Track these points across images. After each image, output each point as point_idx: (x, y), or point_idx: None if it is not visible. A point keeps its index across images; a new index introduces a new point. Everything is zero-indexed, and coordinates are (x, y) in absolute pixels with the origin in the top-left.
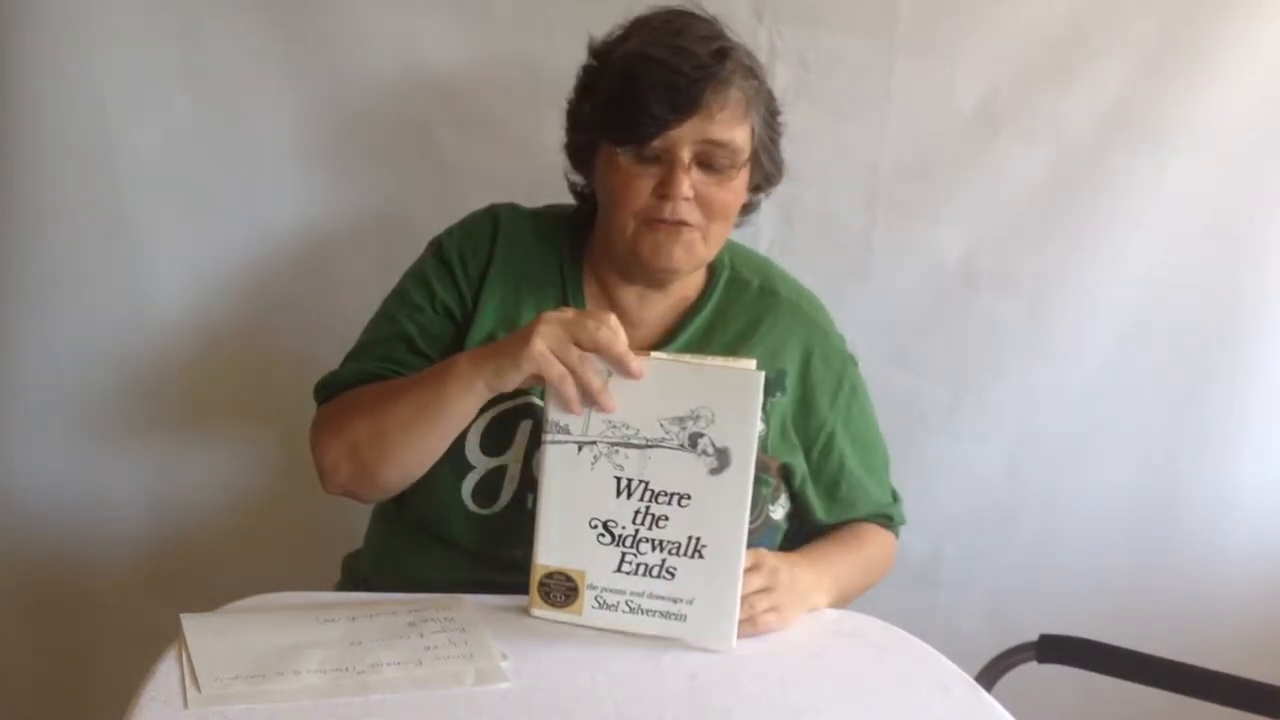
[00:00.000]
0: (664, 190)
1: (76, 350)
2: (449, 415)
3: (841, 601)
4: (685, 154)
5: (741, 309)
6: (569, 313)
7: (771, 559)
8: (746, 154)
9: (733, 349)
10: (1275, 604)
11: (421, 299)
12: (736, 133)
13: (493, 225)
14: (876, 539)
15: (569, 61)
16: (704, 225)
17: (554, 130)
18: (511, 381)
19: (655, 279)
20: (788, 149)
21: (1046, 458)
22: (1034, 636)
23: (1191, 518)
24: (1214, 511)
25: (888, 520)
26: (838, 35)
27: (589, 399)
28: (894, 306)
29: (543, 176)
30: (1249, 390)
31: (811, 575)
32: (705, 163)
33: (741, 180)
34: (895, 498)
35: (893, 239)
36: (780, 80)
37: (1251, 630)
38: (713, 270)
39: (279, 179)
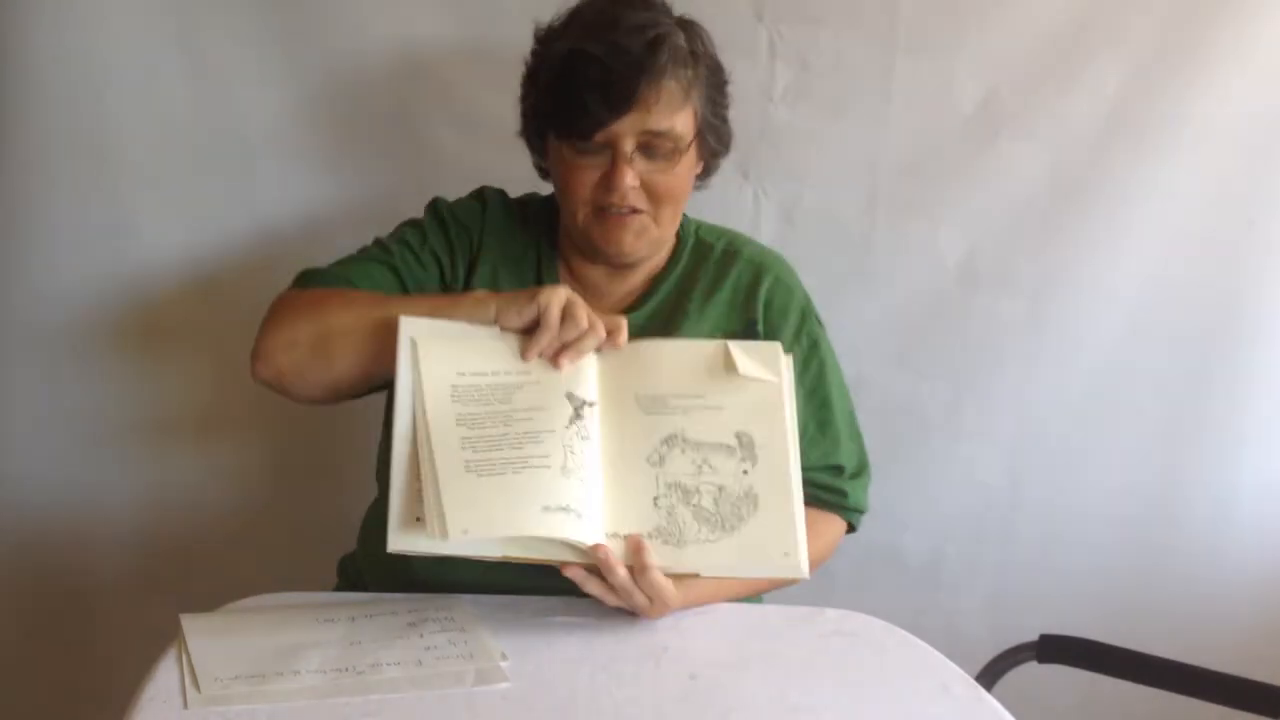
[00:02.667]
0: (608, 183)
1: (76, 350)
2: None
3: (719, 599)
4: (627, 146)
5: (706, 271)
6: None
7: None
8: (689, 138)
9: (700, 309)
10: (1275, 604)
11: (415, 241)
12: (676, 120)
13: (481, 206)
14: (827, 530)
15: None
16: (653, 210)
17: None
18: (520, 314)
19: (614, 264)
20: (788, 149)
21: (1047, 457)
22: (1034, 636)
23: (1192, 517)
24: (1214, 511)
25: (840, 497)
26: (838, 35)
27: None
28: (894, 306)
29: (535, 169)
30: (1249, 390)
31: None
32: (649, 151)
33: (687, 163)
34: (859, 473)
35: (893, 239)
36: (780, 80)
37: (1251, 630)
38: (679, 242)
39: (279, 178)
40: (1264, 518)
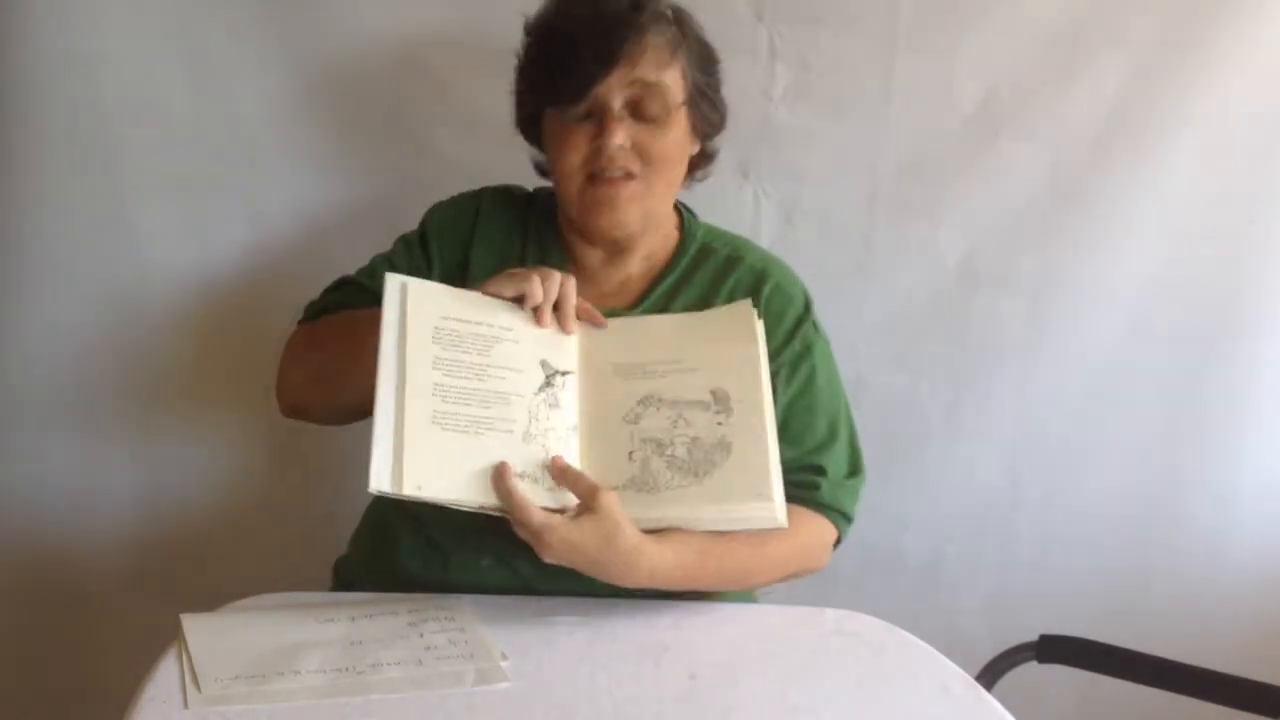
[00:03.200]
0: (599, 140)
1: (75, 349)
2: None
3: (700, 584)
4: (616, 102)
5: (705, 274)
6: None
7: (608, 519)
8: (680, 98)
9: (695, 309)
10: (1275, 604)
11: (402, 263)
12: (665, 74)
13: (475, 208)
14: (803, 528)
15: None
16: (645, 175)
17: None
18: (514, 285)
19: (611, 238)
20: (788, 149)
21: (1047, 457)
22: (1034, 636)
23: (1191, 517)
24: (1214, 511)
25: (811, 491)
26: (838, 35)
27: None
28: (894, 306)
29: (534, 168)
30: (1249, 390)
31: (649, 553)
32: (639, 111)
33: (678, 129)
34: (847, 478)
35: (893, 239)
36: (780, 80)
37: (1251, 630)
38: (684, 241)
39: (278, 177)
40: (1264, 518)
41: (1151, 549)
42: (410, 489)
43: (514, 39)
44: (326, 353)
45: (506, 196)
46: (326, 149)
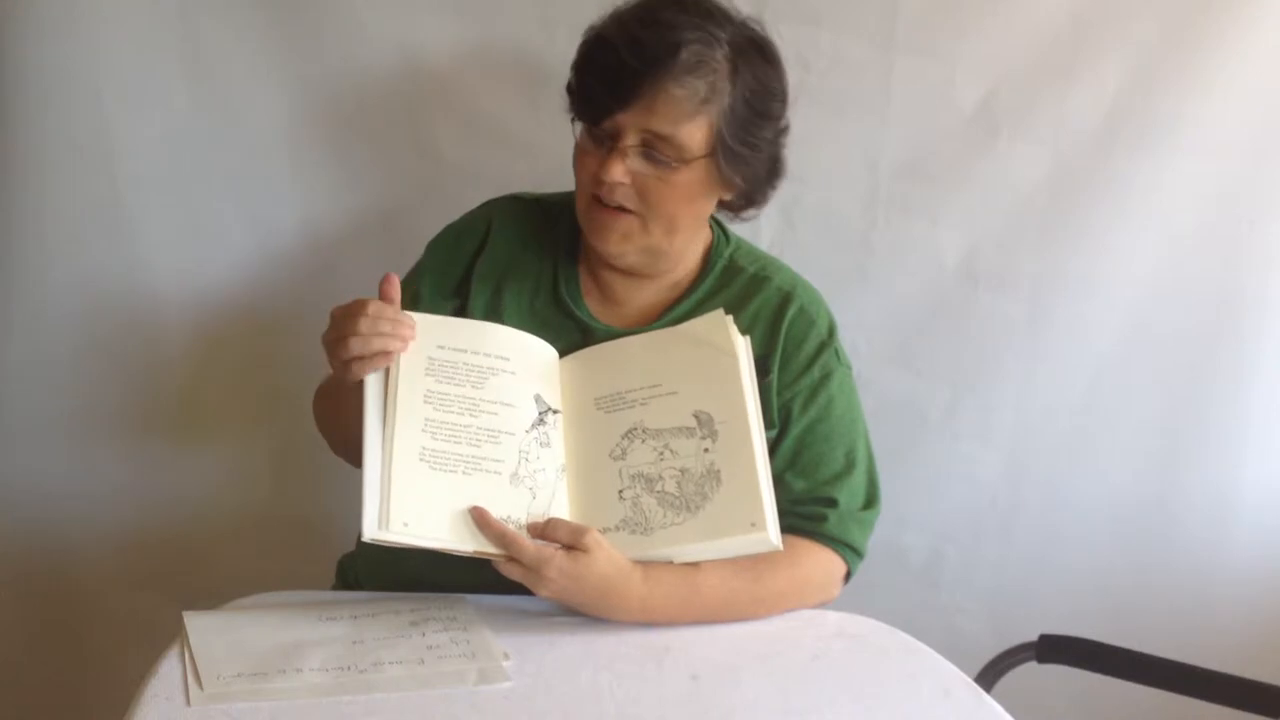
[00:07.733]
0: (600, 171)
1: (76, 349)
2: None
3: (694, 615)
4: (629, 139)
5: (730, 294)
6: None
7: (601, 553)
8: (696, 153)
9: None
10: (1275, 604)
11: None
12: (681, 129)
13: (486, 223)
14: (806, 559)
15: (569, 59)
16: (643, 214)
17: (554, 128)
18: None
19: (613, 263)
20: (788, 149)
21: (1046, 457)
22: (1034, 636)
23: (1192, 517)
24: (1214, 511)
25: (817, 524)
26: (838, 35)
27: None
28: (894, 306)
29: (543, 175)
30: (1249, 390)
31: (636, 584)
32: (649, 152)
33: (688, 179)
34: (859, 510)
35: (893, 239)
36: None
37: (1251, 630)
38: (709, 262)
39: (279, 179)
40: (1264, 518)
41: (1151, 549)
42: (397, 528)
43: (518, 44)
44: (336, 401)
45: (518, 206)
46: (329, 155)
